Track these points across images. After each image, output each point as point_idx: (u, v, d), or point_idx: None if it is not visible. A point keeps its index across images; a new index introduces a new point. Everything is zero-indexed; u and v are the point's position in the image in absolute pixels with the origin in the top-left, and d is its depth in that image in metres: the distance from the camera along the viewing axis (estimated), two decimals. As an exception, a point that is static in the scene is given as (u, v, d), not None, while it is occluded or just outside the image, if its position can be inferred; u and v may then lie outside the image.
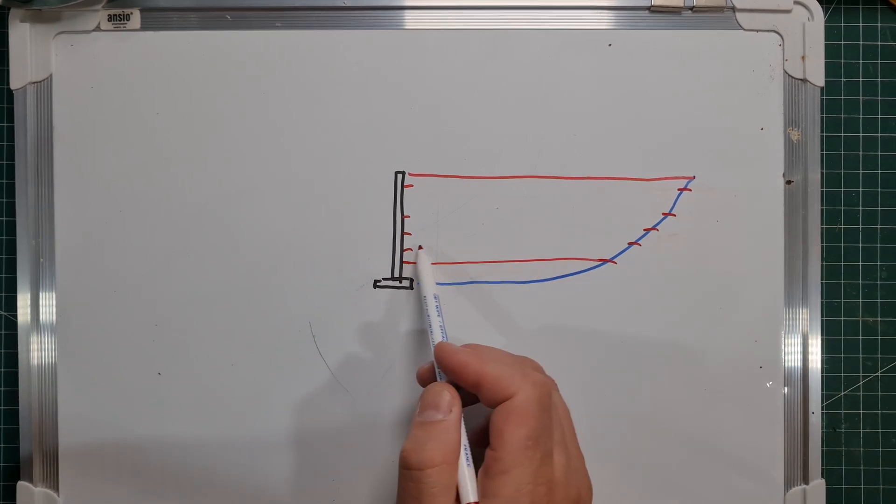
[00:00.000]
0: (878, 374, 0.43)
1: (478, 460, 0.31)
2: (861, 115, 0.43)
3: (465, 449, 0.31)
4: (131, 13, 0.40)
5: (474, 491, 0.30)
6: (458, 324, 0.40)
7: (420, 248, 0.40)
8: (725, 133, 0.40)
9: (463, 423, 0.32)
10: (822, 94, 0.41)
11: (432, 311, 0.36)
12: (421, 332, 0.40)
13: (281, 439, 0.40)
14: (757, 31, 0.40)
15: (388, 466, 0.40)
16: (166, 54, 0.40)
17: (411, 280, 0.40)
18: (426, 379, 0.35)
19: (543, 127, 0.40)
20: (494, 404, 0.31)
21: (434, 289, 0.38)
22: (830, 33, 0.42)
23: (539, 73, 0.40)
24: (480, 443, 0.32)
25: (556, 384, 0.33)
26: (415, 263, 0.40)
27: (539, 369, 0.33)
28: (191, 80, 0.40)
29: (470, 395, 0.33)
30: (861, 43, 0.43)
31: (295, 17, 0.40)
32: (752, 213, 0.40)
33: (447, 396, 0.32)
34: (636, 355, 0.40)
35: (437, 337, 0.35)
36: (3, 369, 0.43)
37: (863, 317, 0.43)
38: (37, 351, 0.41)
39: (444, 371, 0.34)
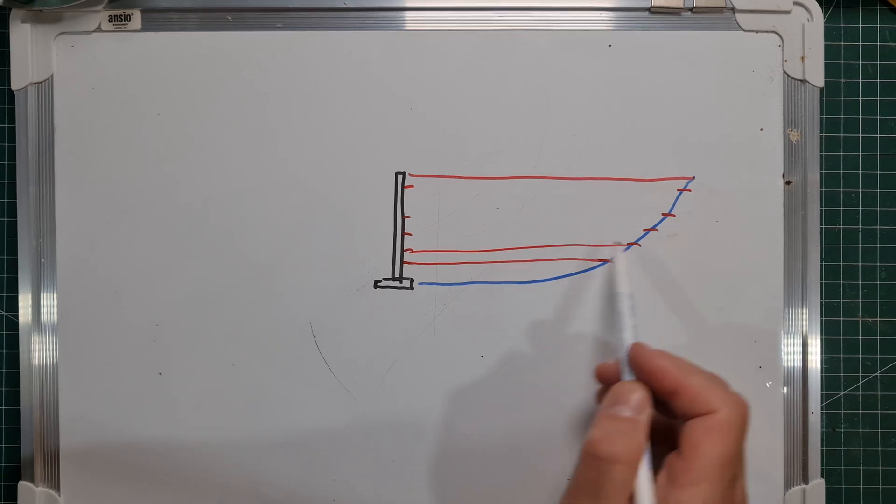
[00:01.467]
0: (878, 374, 0.43)
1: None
2: (860, 116, 0.43)
3: (647, 454, 0.31)
4: (132, 14, 0.40)
5: (652, 499, 0.30)
6: (458, 323, 0.40)
7: (623, 247, 0.40)
8: (725, 133, 0.40)
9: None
10: (821, 95, 0.41)
11: (625, 311, 0.36)
12: (421, 332, 0.40)
13: (281, 439, 0.40)
14: (756, 31, 0.40)
15: (389, 467, 0.40)
16: (167, 55, 0.40)
17: (412, 280, 0.40)
18: (608, 375, 0.35)
19: (543, 127, 0.40)
20: (689, 416, 0.31)
21: (629, 288, 0.37)
22: (830, 34, 0.42)
23: (539, 73, 0.40)
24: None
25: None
26: (610, 261, 0.40)
27: (732, 389, 0.32)
28: (191, 81, 0.40)
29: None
30: (860, 44, 0.43)
31: (295, 17, 0.40)
32: (752, 214, 0.40)
33: (640, 396, 0.32)
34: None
35: (628, 337, 0.35)
36: (4, 369, 0.43)
37: (862, 317, 0.43)
38: (38, 351, 0.41)
39: (637, 373, 0.33)
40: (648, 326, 0.40)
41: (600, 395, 0.37)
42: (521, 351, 0.40)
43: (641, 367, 0.33)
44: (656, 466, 0.31)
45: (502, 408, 0.40)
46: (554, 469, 0.40)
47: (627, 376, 0.34)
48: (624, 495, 0.30)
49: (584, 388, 0.40)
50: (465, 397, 0.40)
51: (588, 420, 0.40)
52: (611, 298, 0.39)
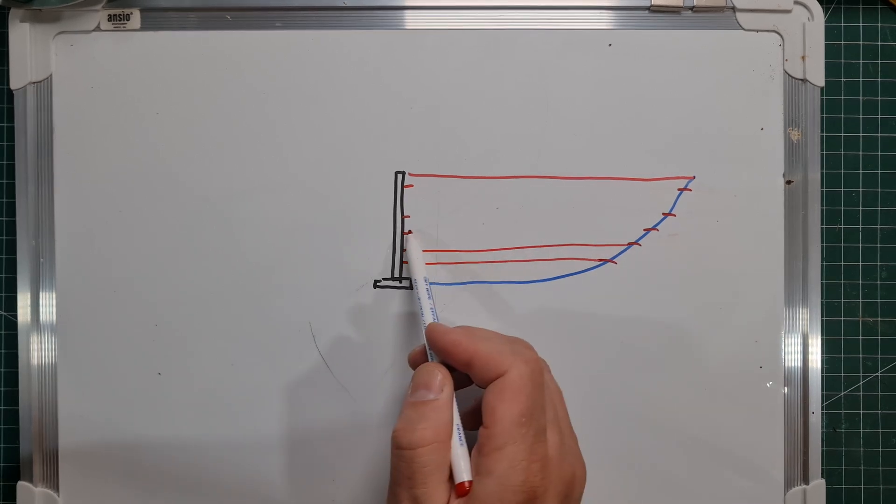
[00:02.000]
0: (878, 374, 0.43)
1: (471, 442, 0.31)
2: (861, 115, 0.43)
3: (458, 428, 0.31)
4: (131, 13, 0.40)
5: (468, 469, 0.30)
6: (458, 323, 0.40)
7: (408, 232, 0.40)
8: (725, 133, 0.40)
9: (455, 403, 0.32)
10: (822, 94, 0.41)
11: (423, 294, 0.37)
12: (421, 332, 0.40)
13: (281, 439, 0.40)
14: (757, 31, 0.40)
15: (388, 466, 0.40)
16: (166, 54, 0.40)
17: (411, 280, 0.40)
18: (417, 361, 0.35)
19: (543, 127, 0.40)
20: (486, 383, 0.31)
21: (424, 272, 0.38)
22: (830, 33, 0.42)
23: (539, 72, 0.40)
24: (472, 425, 0.32)
25: (548, 365, 0.34)
26: (405, 249, 0.40)
27: (530, 348, 0.33)
28: (191, 81, 0.40)
29: (462, 377, 0.33)
30: (861, 43, 0.43)
31: (295, 17, 0.40)
32: (752, 213, 0.40)
33: (438, 376, 0.32)
34: (636, 355, 0.40)
35: (427, 319, 0.35)
36: (3, 369, 0.43)
37: (863, 317, 0.43)
38: (37, 351, 0.41)
39: (435, 351, 0.33)
40: (648, 326, 0.40)
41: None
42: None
43: (437, 344, 0.33)
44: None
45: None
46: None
47: (432, 358, 0.34)
48: (438, 476, 0.30)
49: (584, 387, 0.40)
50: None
51: (591, 420, 0.40)
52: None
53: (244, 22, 0.40)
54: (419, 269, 0.38)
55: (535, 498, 0.29)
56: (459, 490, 0.29)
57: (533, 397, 0.30)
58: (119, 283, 0.40)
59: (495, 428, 0.29)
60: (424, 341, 0.35)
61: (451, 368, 0.33)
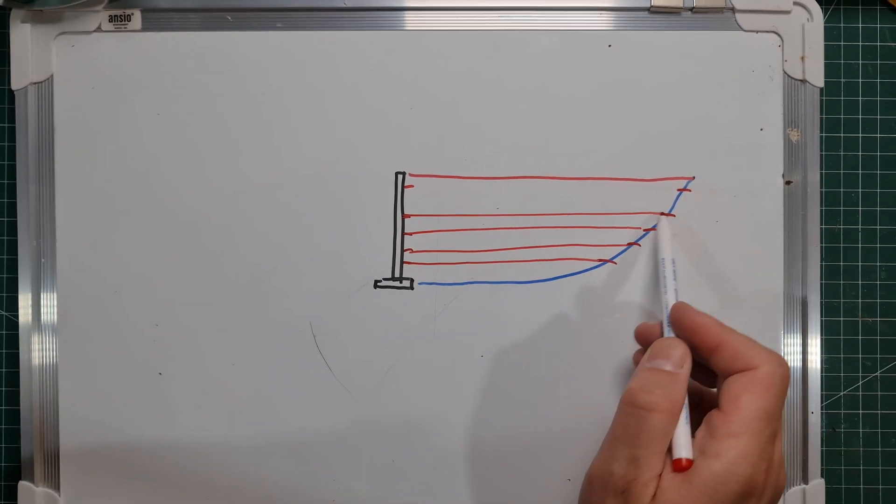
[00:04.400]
0: (878, 374, 0.43)
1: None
2: (860, 116, 0.43)
3: (686, 407, 0.31)
4: (132, 14, 0.40)
5: (689, 448, 0.30)
6: (458, 323, 0.40)
7: (663, 213, 0.40)
8: (725, 133, 0.40)
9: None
10: (821, 95, 0.41)
11: (668, 274, 0.36)
12: (421, 332, 0.40)
13: (281, 439, 0.40)
14: (756, 31, 0.40)
15: (389, 466, 0.40)
16: (167, 55, 0.40)
17: (412, 280, 0.40)
18: (647, 335, 0.36)
19: (543, 127, 0.40)
20: (728, 372, 0.31)
21: (671, 254, 0.38)
22: (830, 34, 0.42)
23: (539, 73, 0.40)
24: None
25: None
26: (654, 229, 0.40)
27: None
28: (191, 81, 0.40)
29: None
30: (860, 44, 0.43)
31: (295, 17, 0.40)
32: (752, 214, 0.40)
33: (680, 350, 0.32)
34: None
35: (671, 298, 0.35)
36: (4, 369, 0.43)
37: (862, 317, 0.43)
38: (38, 351, 0.41)
39: (680, 330, 0.33)
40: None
41: (638, 357, 0.37)
42: (522, 351, 0.40)
43: (684, 324, 0.33)
44: (694, 418, 0.31)
45: (502, 408, 0.40)
46: (554, 469, 0.40)
47: (668, 335, 0.34)
48: (661, 445, 0.30)
49: (584, 387, 0.40)
50: (464, 397, 0.40)
51: (591, 421, 0.40)
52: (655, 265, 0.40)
53: (245, 23, 0.40)
54: (667, 249, 0.38)
55: (751, 495, 0.29)
56: (676, 465, 0.30)
57: (779, 398, 0.30)
58: (120, 283, 0.40)
59: (735, 415, 0.29)
60: (663, 318, 0.35)
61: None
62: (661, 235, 0.39)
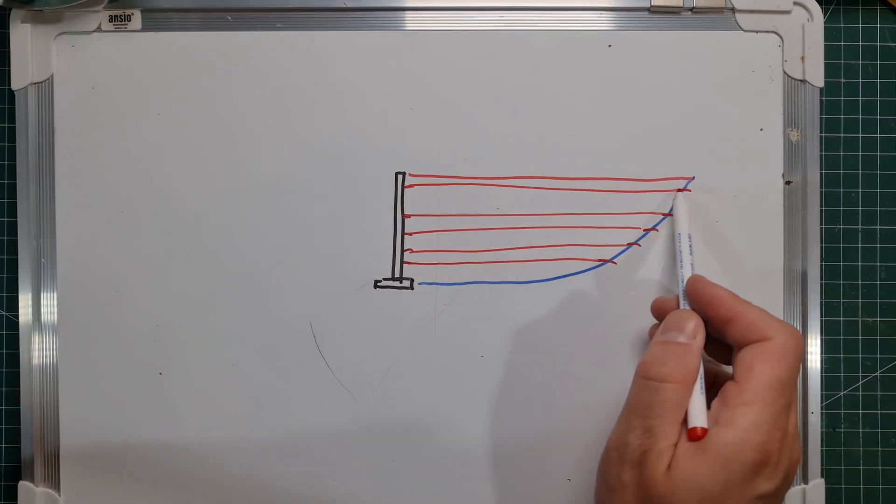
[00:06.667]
0: (878, 374, 0.43)
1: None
2: (860, 116, 0.43)
3: (701, 378, 0.32)
4: (132, 14, 0.40)
5: (703, 417, 0.30)
6: (458, 323, 0.40)
7: (679, 190, 0.40)
8: (725, 133, 0.40)
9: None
10: (821, 95, 0.41)
11: (685, 248, 0.37)
12: (421, 332, 0.40)
13: (281, 439, 0.40)
14: (756, 31, 0.40)
15: (389, 466, 0.40)
16: (167, 55, 0.40)
17: (412, 280, 0.40)
18: (663, 308, 0.36)
19: (543, 127, 0.40)
20: (743, 343, 0.31)
21: (688, 229, 0.38)
22: (830, 34, 0.42)
23: (539, 73, 0.40)
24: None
25: None
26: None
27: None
28: (191, 81, 0.40)
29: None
30: (860, 44, 0.43)
31: (295, 18, 0.40)
32: (752, 214, 0.40)
33: (693, 322, 0.33)
34: (636, 355, 0.40)
35: (687, 271, 0.36)
36: (4, 369, 0.43)
37: (862, 317, 0.43)
38: (38, 351, 0.41)
39: (695, 301, 0.34)
40: (648, 327, 0.40)
41: (653, 331, 0.37)
42: (522, 351, 0.40)
43: (699, 295, 0.33)
44: (711, 396, 0.31)
45: (502, 408, 0.40)
46: (554, 469, 0.40)
47: (684, 307, 0.35)
48: (675, 415, 0.30)
49: (584, 387, 0.40)
50: (464, 397, 0.40)
51: (591, 420, 0.40)
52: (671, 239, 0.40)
53: (245, 23, 0.40)
54: (684, 224, 0.38)
55: (767, 464, 0.29)
56: (692, 434, 0.30)
57: (792, 369, 0.30)
58: (120, 283, 0.40)
59: (749, 384, 0.30)
60: (679, 291, 0.35)
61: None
62: (678, 211, 0.39)
